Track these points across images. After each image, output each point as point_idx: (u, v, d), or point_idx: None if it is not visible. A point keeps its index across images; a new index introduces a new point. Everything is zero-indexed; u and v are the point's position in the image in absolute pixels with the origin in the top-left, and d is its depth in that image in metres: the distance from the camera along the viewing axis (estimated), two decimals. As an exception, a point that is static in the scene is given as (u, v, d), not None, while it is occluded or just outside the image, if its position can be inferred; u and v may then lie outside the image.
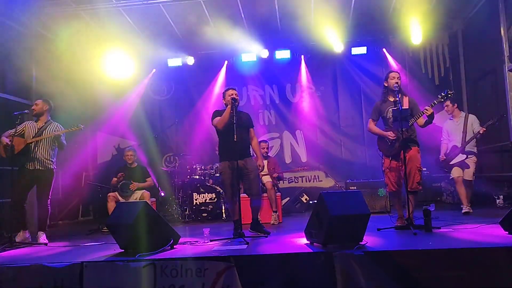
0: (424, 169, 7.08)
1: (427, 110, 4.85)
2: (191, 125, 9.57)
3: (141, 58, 9.30)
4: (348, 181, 7.83)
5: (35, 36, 7.64)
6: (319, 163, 9.28)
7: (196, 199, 7.49)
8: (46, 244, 5.23)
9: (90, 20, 8.07)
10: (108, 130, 9.66)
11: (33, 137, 5.53)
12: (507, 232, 4.09)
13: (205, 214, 7.43)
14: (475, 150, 6.50)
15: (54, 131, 5.62)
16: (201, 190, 7.54)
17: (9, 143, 5.29)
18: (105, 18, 7.96)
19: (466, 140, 6.46)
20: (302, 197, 8.32)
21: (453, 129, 6.69)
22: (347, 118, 9.42)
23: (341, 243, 3.80)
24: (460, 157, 6.50)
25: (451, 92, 4.94)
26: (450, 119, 6.81)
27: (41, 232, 5.48)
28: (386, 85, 5.19)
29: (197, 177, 7.83)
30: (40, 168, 5.52)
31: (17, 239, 5.28)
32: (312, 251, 3.78)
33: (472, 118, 6.60)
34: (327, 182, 9.10)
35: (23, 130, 5.57)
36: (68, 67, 7.85)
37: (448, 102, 6.60)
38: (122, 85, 9.54)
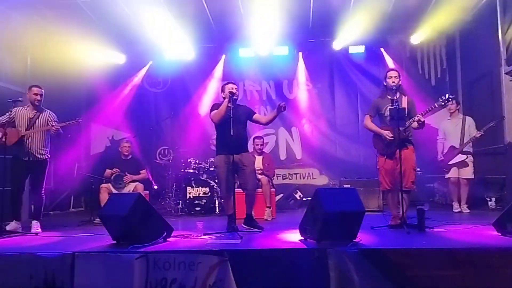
0: (418, 169, 7.14)
1: (419, 118, 4.85)
2: (186, 119, 9.53)
3: (139, 49, 9.25)
4: (342, 179, 7.83)
5: (31, 23, 7.54)
6: (314, 160, 9.28)
7: (189, 193, 7.46)
8: (37, 233, 5.20)
9: (87, 9, 7.99)
10: (102, 121, 9.60)
11: (26, 129, 5.44)
12: (500, 234, 4.12)
13: (198, 208, 7.40)
14: (471, 150, 6.75)
15: (48, 120, 5.56)
16: (195, 184, 7.51)
17: (0, 138, 5.17)
18: (103, 7, 7.89)
19: (465, 142, 6.68)
20: (296, 194, 8.31)
21: (451, 130, 6.88)
22: (343, 116, 9.41)
23: (335, 240, 3.78)
24: (460, 157, 6.73)
25: (452, 97, 4.97)
26: (448, 119, 6.98)
27: (35, 221, 5.45)
28: (385, 84, 5.18)
29: (191, 170, 7.79)
30: (34, 159, 5.47)
31: (8, 228, 5.22)
32: (306, 247, 3.78)
33: (469, 120, 6.84)
34: (321, 180, 9.12)
35: (14, 117, 5.45)
36: (63, 55, 7.78)
37: (453, 101, 6.70)
38: (118, 76, 9.49)
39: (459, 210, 6.70)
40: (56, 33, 7.95)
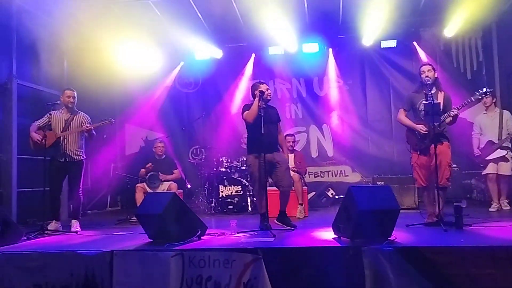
0: (454, 165, 6.95)
1: (455, 113, 4.78)
2: (217, 118, 9.62)
3: (169, 51, 9.38)
4: (375, 176, 7.72)
5: (67, 29, 7.78)
6: (346, 157, 9.17)
7: (222, 192, 7.53)
8: (77, 232, 5.37)
9: (119, 13, 8.17)
10: (136, 122, 9.82)
11: (61, 131, 5.61)
12: (543, 231, 3.98)
13: (231, 207, 7.46)
14: (510, 145, 6.45)
15: (82, 122, 5.72)
16: (227, 182, 7.58)
17: (41, 140, 5.38)
18: (135, 11, 8.06)
19: (503, 138, 6.39)
20: (328, 192, 8.24)
21: (487, 124, 6.60)
22: (375, 112, 9.28)
23: (369, 238, 3.73)
24: (498, 152, 6.43)
25: (489, 90, 4.85)
26: (484, 113, 6.71)
27: (74, 220, 5.64)
28: (420, 79, 5.08)
29: (223, 169, 7.86)
30: (70, 160, 5.64)
31: (49, 227, 5.41)
32: (340, 245, 3.75)
33: (507, 114, 6.54)
34: (353, 177, 9.01)
35: (49, 121, 5.63)
36: (98, 59, 7.98)
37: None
38: (150, 77, 9.65)
39: (496, 208, 6.41)
40: (91, 37, 8.18)
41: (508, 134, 6.40)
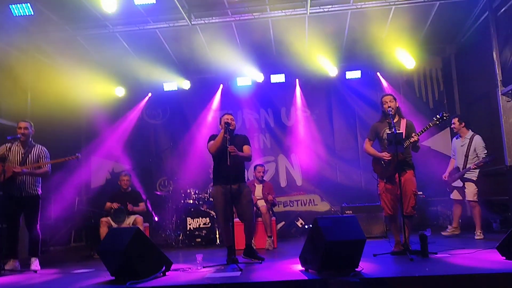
0: (420, 193, 7.05)
1: (413, 137, 4.90)
2: (185, 149, 9.52)
3: (137, 82, 9.32)
4: (343, 205, 7.74)
5: (31, 60, 7.66)
6: (315, 186, 9.21)
7: (190, 224, 7.39)
8: (36, 271, 5.11)
9: (86, 44, 8.14)
10: (102, 154, 9.60)
11: (20, 164, 5.33)
12: (505, 258, 4.05)
13: (199, 239, 7.31)
14: (474, 176, 6.26)
15: (40, 156, 5.48)
16: (195, 214, 7.44)
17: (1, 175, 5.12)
18: (101, 42, 8.04)
19: (467, 166, 6.28)
20: (297, 222, 8.22)
21: (458, 149, 6.52)
22: (342, 141, 9.42)
23: (336, 270, 3.72)
24: (459, 182, 6.42)
25: (446, 115, 4.98)
26: (457, 138, 6.62)
27: (33, 258, 5.34)
28: (382, 109, 5.19)
29: (191, 201, 7.74)
30: (26, 195, 5.37)
31: (7, 267, 5.12)
32: (307, 278, 3.70)
33: (476, 141, 6.32)
34: (322, 206, 9.00)
35: (4, 153, 5.31)
36: (64, 91, 7.85)
37: (455, 120, 6.51)
38: (117, 108, 9.57)
39: (449, 233, 6.44)
40: (56, 68, 8.07)
41: (477, 158, 6.22)
